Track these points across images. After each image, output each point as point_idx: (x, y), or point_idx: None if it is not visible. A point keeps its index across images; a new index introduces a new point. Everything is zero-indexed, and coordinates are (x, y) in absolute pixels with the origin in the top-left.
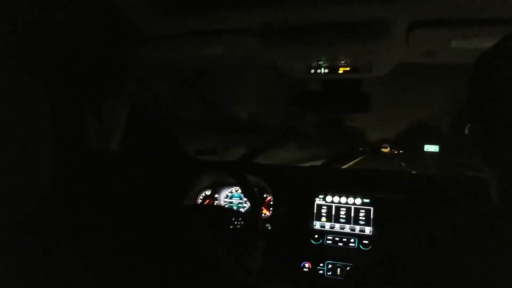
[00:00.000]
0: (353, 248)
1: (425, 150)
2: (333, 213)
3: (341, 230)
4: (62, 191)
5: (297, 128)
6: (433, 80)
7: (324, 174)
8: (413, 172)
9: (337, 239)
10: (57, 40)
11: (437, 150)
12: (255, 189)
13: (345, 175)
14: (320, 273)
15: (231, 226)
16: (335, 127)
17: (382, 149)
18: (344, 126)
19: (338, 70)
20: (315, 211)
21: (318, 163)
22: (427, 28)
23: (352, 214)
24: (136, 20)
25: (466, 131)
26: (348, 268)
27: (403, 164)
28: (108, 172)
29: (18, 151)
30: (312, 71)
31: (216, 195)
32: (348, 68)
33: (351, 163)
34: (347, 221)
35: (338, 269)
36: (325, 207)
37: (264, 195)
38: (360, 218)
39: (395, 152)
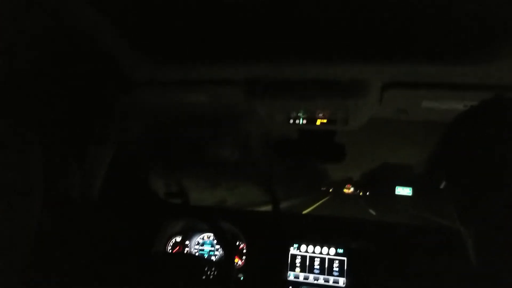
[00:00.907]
0: None
1: (396, 193)
2: (307, 263)
3: (315, 282)
4: (46, 234)
5: (264, 169)
6: (405, 134)
7: (299, 222)
8: (387, 221)
9: None
10: (47, 86)
11: (410, 194)
12: (228, 236)
13: (320, 223)
14: None
15: (204, 277)
16: (298, 166)
17: (345, 190)
18: (308, 166)
19: (316, 121)
20: (289, 261)
21: (282, 204)
22: (399, 89)
23: (326, 265)
24: (125, 68)
25: (442, 186)
26: None
27: (362, 204)
28: (89, 218)
29: (10, 197)
30: (291, 121)
31: (187, 242)
32: (325, 120)
33: (315, 205)
34: (321, 272)
35: None
36: (299, 257)
37: (237, 243)
38: (334, 269)
39: (360, 193)
